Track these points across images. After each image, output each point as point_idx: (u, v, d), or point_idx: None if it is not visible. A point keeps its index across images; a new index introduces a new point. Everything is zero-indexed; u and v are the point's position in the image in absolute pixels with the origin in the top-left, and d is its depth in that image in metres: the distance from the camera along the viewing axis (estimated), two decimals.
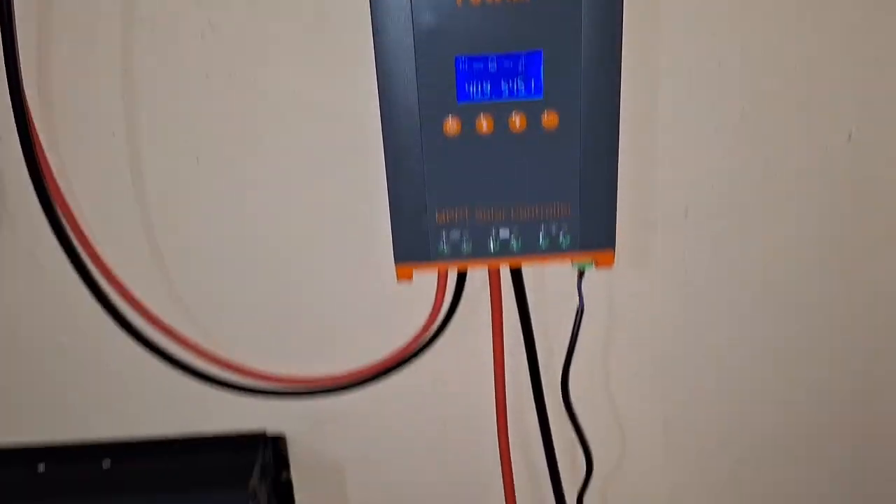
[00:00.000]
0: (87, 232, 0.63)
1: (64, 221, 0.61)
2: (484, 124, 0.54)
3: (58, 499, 0.62)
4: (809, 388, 0.73)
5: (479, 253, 0.58)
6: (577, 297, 0.63)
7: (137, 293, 0.65)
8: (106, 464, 0.66)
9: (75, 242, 0.62)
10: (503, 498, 0.69)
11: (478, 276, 0.65)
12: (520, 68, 0.54)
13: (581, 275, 0.62)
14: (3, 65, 0.53)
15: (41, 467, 0.66)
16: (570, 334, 0.64)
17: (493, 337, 0.64)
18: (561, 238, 0.58)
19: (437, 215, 0.57)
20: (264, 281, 0.66)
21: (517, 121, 0.54)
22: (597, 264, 0.60)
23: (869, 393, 0.74)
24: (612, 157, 0.57)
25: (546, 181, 0.57)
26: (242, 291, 0.66)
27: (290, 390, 0.68)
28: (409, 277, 0.59)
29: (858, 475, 0.78)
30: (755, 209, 0.66)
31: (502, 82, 0.54)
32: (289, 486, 0.73)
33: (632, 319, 0.69)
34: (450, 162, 0.56)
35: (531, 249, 0.58)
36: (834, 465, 0.77)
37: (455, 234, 0.58)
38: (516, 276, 0.63)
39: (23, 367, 0.68)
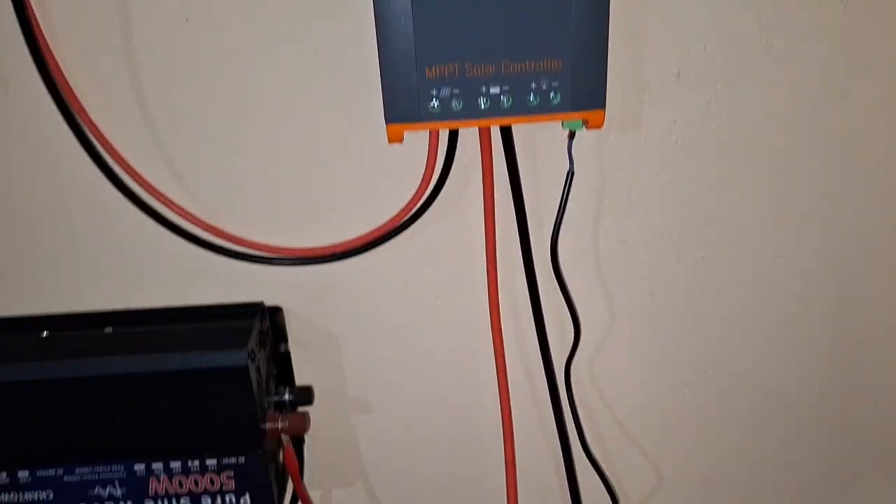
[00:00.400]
0: (80, 98, 0.62)
1: (59, 85, 0.61)
2: None
3: (62, 358, 0.64)
4: (802, 256, 0.75)
5: (470, 112, 0.58)
6: (568, 161, 0.64)
7: (133, 161, 0.65)
8: (108, 330, 0.68)
9: (69, 105, 0.62)
10: (494, 366, 0.72)
11: (469, 146, 0.66)
12: None
13: (571, 136, 0.62)
14: None
15: (45, 333, 0.68)
16: (559, 200, 0.65)
17: (484, 199, 0.65)
18: (552, 96, 0.58)
19: (426, 71, 0.57)
20: (255, 148, 0.66)
21: None
22: (587, 125, 0.60)
23: (862, 253, 0.76)
24: (604, 10, 0.56)
25: (537, 35, 0.56)
26: (234, 160, 0.66)
27: (285, 258, 0.69)
28: (400, 139, 0.59)
29: (851, 339, 0.81)
30: (747, 71, 0.65)
31: None
32: (287, 357, 0.75)
33: (621, 185, 0.69)
34: (439, 13, 0.55)
35: (522, 108, 0.58)
36: (826, 329, 0.80)
37: (445, 92, 0.58)
38: (506, 137, 0.63)
39: (22, 239, 0.68)
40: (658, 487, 0.86)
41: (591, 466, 0.78)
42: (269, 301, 0.72)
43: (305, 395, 0.74)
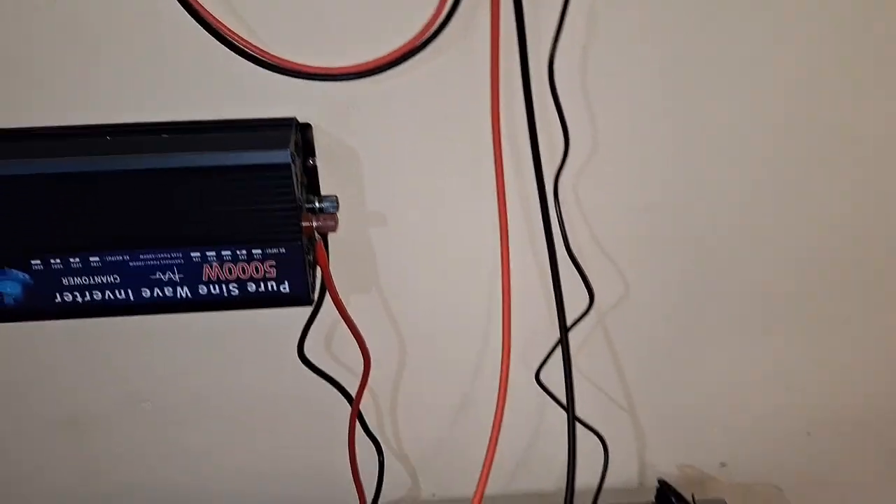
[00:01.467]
0: None
1: None
2: None
3: (125, 154, 0.74)
4: (776, 93, 0.85)
5: None
6: None
7: None
8: (164, 136, 0.79)
9: None
10: (494, 178, 0.84)
11: None
12: None
13: None
14: None
15: (108, 138, 0.78)
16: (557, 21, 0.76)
17: (491, 25, 0.75)
18: None
19: None
20: None
21: None
22: None
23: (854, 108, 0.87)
24: None
25: None
26: None
27: (314, 74, 0.78)
28: None
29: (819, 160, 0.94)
30: None
31: None
32: (315, 171, 0.86)
33: (612, 22, 0.79)
34: None
35: None
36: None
37: None
38: None
39: (84, 53, 0.77)
40: (625, 296, 1.01)
41: (572, 268, 0.92)
42: (300, 119, 0.83)
43: (331, 203, 0.86)
